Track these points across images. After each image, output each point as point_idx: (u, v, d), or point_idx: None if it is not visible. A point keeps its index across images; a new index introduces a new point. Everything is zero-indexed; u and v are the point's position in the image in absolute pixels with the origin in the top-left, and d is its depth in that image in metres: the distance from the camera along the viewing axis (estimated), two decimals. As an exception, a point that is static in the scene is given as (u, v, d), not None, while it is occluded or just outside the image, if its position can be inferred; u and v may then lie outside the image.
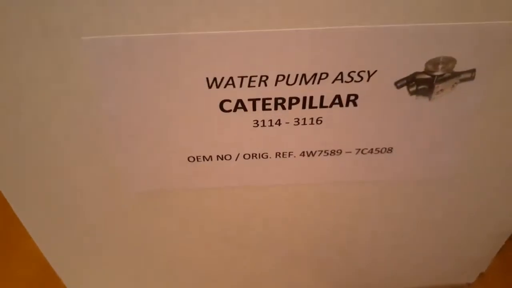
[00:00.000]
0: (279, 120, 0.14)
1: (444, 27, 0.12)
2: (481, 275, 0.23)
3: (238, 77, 0.13)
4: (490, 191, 0.17)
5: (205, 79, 0.13)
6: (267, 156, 0.15)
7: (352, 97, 0.14)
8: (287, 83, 0.13)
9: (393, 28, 0.12)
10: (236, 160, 0.15)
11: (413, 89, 0.13)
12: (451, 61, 0.13)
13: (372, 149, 0.15)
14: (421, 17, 0.12)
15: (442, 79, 0.13)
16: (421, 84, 0.13)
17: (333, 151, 0.15)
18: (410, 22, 0.12)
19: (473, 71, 0.13)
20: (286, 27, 0.12)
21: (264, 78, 0.13)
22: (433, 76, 0.13)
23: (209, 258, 0.19)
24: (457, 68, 0.13)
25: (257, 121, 0.14)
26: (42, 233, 0.17)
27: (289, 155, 0.15)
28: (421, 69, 0.13)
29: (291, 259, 0.20)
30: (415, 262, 0.21)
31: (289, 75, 0.13)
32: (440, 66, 0.13)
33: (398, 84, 0.13)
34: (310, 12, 0.12)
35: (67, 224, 0.17)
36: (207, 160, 0.15)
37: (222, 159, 0.15)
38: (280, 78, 0.13)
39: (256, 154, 0.15)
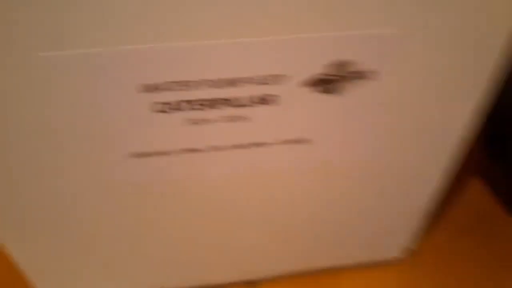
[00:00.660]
0: (211, 118, 0.16)
1: (343, 35, 0.15)
2: (413, 252, 0.26)
3: (172, 82, 0.15)
4: (403, 175, 0.20)
5: (141, 85, 0.15)
6: (202, 150, 0.17)
7: (274, 97, 0.16)
8: (216, 86, 0.15)
9: (297, 38, 0.15)
10: (173, 155, 0.17)
11: (321, 88, 0.16)
12: (352, 63, 0.15)
13: (294, 140, 0.17)
14: (325, 27, 0.15)
15: (346, 78, 0.16)
16: (328, 83, 0.16)
17: (260, 144, 0.17)
18: (314, 32, 0.15)
19: (373, 72, 0.16)
20: (213, 39, 0.14)
21: (195, 83, 0.15)
22: (339, 77, 0.16)
23: (153, 254, 0.21)
24: (359, 69, 0.16)
25: (191, 120, 0.16)
26: None
27: (222, 149, 0.17)
28: (327, 71, 0.16)
29: (227, 249, 0.22)
30: (341, 241, 0.23)
31: (218, 79, 0.15)
32: (342, 68, 0.16)
33: (309, 84, 0.16)
34: (233, 26, 0.14)
35: (24, 220, 0.19)
36: (149, 157, 0.17)
37: (161, 155, 0.17)
38: (210, 82, 0.15)
39: (192, 149, 0.17)
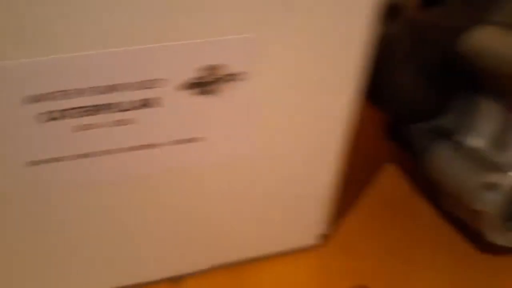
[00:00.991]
0: (98, 124, 0.17)
1: (210, 41, 0.16)
2: (328, 237, 0.28)
3: (55, 92, 0.16)
4: (299, 163, 0.22)
5: (26, 97, 0.16)
6: (96, 155, 0.18)
7: (155, 100, 0.17)
8: (98, 93, 0.17)
9: (168, 45, 0.16)
10: (68, 161, 0.18)
11: (198, 90, 0.17)
12: (222, 66, 0.17)
13: (186, 139, 0.19)
14: (193, 34, 0.16)
15: (219, 80, 0.17)
16: (203, 86, 0.17)
17: (152, 145, 0.19)
18: (184, 39, 0.16)
19: (243, 73, 0.17)
20: (91, 50, 0.16)
21: (78, 91, 0.16)
22: (212, 79, 0.17)
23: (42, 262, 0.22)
24: (230, 71, 0.17)
25: (79, 126, 0.17)
26: None
27: (115, 152, 0.18)
28: (200, 74, 0.17)
29: (146, 248, 0.23)
30: (255, 233, 0.25)
31: (99, 86, 0.16)
32: (213, 71, 0.17)
33: (186, 87, 0.17)
34: (108, 36, 0.15)
35: None
36: (45, 164, 0.18)
37: (57, 161, 0.18)
38: (92, 90, 0.16)
39: (85, 154, 0.18)
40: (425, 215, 0.29)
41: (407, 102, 0.23)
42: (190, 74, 0.17)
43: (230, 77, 0.17)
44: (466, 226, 0.26)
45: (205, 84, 0.17)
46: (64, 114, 0.17)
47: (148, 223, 0.22)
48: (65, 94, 0.16)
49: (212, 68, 0.17)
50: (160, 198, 0.21)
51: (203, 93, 0.17)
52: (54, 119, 0.17)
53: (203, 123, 0.18)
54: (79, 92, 0.16)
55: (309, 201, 0.24)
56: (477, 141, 0.23)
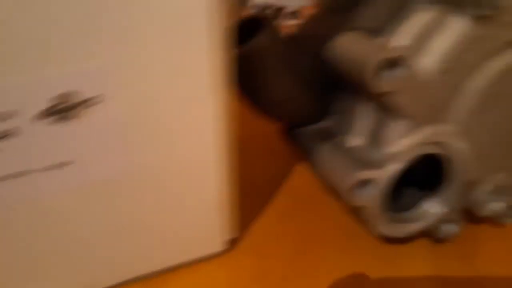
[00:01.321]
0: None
1: (60, 73, 0.17)
2: (234, 241, 0.29)
3: None
4: (182, 176, 0.23)
5: None
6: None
7: (16, 130, 0.18)
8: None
9: (19, 79, 0.17)
10: None
11: (56, 117, 0.18)
12: (76, 93, 0.18)
13: (55, 165, 0.20)
14: (42, 66, 0.17)
15: (76, 106, 0.18)
16: (60, 113, 0.18)
17: (23, 172, 0.19)
18: (33, 72, 0.17)
19: (99, 97, 0.18)
20: None
21: None
22: (69, 106, 0.18)
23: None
24: (85, 97, 0.18)
25: None
26: None
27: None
28: (55, 102, 0.18)
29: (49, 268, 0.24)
30: (160, 246, 0.26)
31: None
32: (68, 98, 0.18)
33: (44, 116, 0.18)
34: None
35: None
36: None
37: None
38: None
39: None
40: (333, 213, 0.31)
41: (288, 110, 0.25)
42: (44, 104, 0.18)
43: (85, 102, 0.18)
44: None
45: (61, 111, 0.18)
46: None
47: (48, 244, 0.23)
48: None
49: (65, 96, 0.18)
50: (54, 220, 0.22)
51: (61, 119, 0.18)
52: None
53: (69, 148, 0.19)
54: None
55: (206, 209, 0.25)
56: (354, 140, 0.24)
